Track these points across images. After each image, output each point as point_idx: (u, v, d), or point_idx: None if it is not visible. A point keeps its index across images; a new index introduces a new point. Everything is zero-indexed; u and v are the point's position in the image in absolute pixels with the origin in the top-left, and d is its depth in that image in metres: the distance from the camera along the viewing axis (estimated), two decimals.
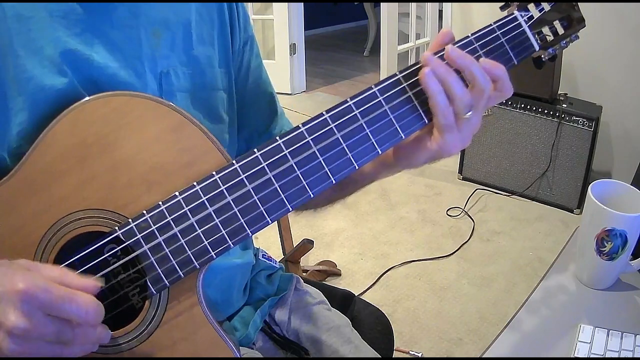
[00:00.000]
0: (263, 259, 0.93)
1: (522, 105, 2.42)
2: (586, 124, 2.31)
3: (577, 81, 2.58)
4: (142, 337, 0.57)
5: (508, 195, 2.61)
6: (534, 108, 2.40)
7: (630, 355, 0.71)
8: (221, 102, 0.73)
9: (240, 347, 0.80)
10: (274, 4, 3.65)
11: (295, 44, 3.84)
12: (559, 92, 2.42)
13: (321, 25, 6.21)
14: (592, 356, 0.71)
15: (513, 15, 0.61)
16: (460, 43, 0.60)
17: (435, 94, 0.56)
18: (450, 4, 3.07)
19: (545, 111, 2.38)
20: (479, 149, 2.65)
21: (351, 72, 4.81)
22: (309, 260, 2.14)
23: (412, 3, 3.21)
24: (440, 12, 3.29)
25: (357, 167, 0.57)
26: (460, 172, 2.76)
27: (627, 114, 2.48)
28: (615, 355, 0.71)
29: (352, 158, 0.57)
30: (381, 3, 3.13)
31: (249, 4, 3.62)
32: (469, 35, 0.60)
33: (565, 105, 2.35)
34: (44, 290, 0.45)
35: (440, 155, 0.60)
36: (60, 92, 0.57)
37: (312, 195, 0.57)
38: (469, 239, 2.31)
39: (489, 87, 0.56)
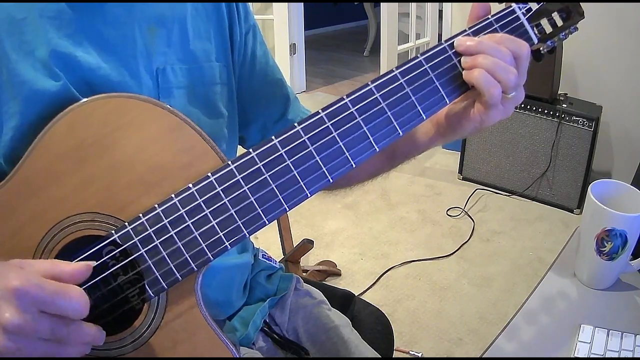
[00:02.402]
0: (263, 259, 0.93)
1: (522, 105, 2.42)
2: (586, 124, 2.30)
3: (577, 81, 2.58)
4: (141, 340, 0.57)
5: (508, 195, 2.61)
6: (534, 108, 2.40)
7: (630, 355, 0.70)
8: (220, 97, 0.73)
9: (240, 347, 0.79)
10: (274, 4, 3.65)
11: (295, 44, 3.84)
12: (559, 92, 2.42)
13: (321, 25, 6.21)
14: (592, 356, 0.71)
15: (511, 8, 0.61)
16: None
17: (480, 79, 0.57)
18: (450, 4, 3.07)
19: (545, 111, 2.38)
20: (479, 149, 2.65)
21: (351, 72, 4.81)
22: (309, 260, 2.14)
23: (412, 3, 3.21)
24: (440, 12, 3.29)
25: (354, 166, 0.57)
26: (460, 172, 2.76)
27: (627, 114, 2.48)
28: (615, 355, 0.71)
29: (348, 156, 0.57)
30: (381, 3, 3.13)
31: (249, 4, 3.62)
32: (467, 29, 0.60)
33: (565, 105, 2.35)
34: (36, 286, 0.46)
35: (484, 126, 0.63)
36: (54, 95, 0.56)
37: (309, 195, 0.56)
38: (469, 239, 2.30)
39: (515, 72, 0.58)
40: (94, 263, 0.52)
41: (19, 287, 0.45)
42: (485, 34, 0.60)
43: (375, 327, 0.98)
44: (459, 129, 0.65)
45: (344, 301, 0.99)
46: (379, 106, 0.58)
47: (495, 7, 0.63)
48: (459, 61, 0.59)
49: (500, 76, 0.57)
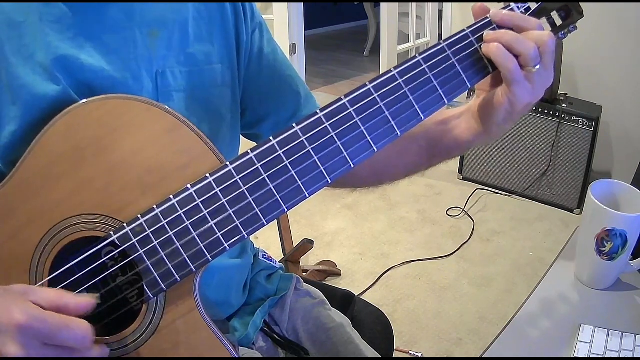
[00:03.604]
0: (263, 259, 0.93)
1: None
2: (586, 124, 2.30)
3: (577, 81, 2.58)
4: (141, 341, 0.57)
5: (508, 195, 2.61)
6: (534, 108, 2.39)
7: (630, 355, 0.70)
8: (221, 100, 0.72)
9: (240, 347, 0.79)
10: (274, 4, 3.64)
11: (295, 44, 3.83)
12: (559, 92, 2.42)
13: (321, 25, 6.21)
14: (592, 356, 0.71)
15: (510, 7, 0.61)
16: (456, 37, 0.60)
17: (496, 53, 0.58)
18: (450, 4, 3.07)
19: (545, 111, 2.38)
20: (479, 149, 2.65)
21: (351, 72, 4.81)
22: (309, 260, 2.14)
23: (412, 3, 3.21)
24: (440, 12, 3.29)
25: (352, 166, 0.57)
26: (460, 172, 2.75)
27: (627, 114, 2.48)
28: (615, 355, 0.71)
29: (347, 156, 0.57)
30: (381, 3, 3.12)
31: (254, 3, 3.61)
32: (465, 29, 0.60)
33: (565, 105, 2.35)
34: (40, 320, 0.46)
35: (515, 110, 0.61)
36: (54, 99, 0.56)
37: (307, 196, 0.56)
38: (469, 239, 2.30)
39: (549, 41, 0.58)
40: (98, 300, 0.52)
41: (22, 324, 0.45)
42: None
43: (375, 327, 0.98)
44: (494, 119, 0.64)
45: (344, 301, 0.98)
46: (377, 106, 0.57)
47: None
48: (457, 61, 0.59)
49: (518, 48, 0.57)
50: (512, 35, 0.58)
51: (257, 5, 0.77)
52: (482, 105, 0.65)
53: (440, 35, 3.44)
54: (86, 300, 0.50)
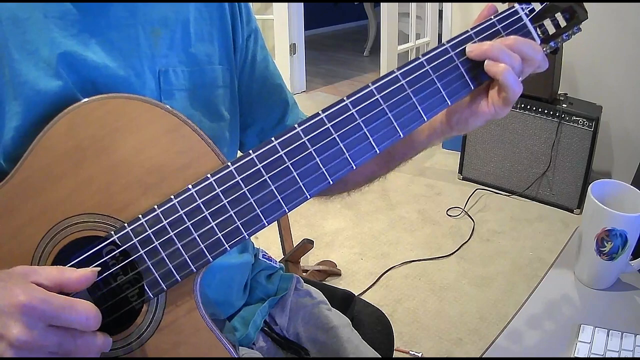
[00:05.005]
0: (263, 259, 0.93)
1: (522, 105, 2.42)
2: (586, 124, 2.30)
3: (577, 81, 2.58)
4: (141, 341, 0.57)
5: (508, 195, 2.61)
6: (534, 108, 2.40)
7: (630, 355, 0.71)
8: (222, 100, 0.72)
9: (240, 347, 0.80)
10: (274, 4, 3.65)
11: (295, 44, 3.84)
12: (559, 92, 2.42)
13: (321, 25, 6.21)
14: (592, 356, 0.71)
15: (514, 9, 0.61)
16: (460, 38, 0.60)
17: (507, 77, 0.58)
18: (450, 4, 3.07)
19: (545, 111, 2.38)
20: (479, 149, 2.65)
21: (351, 72, 4.81)
22: (309, 260, 2.14)
23: (412, 3, 3.21)
24: (440, 12, 3.29)
25: (354, 167, 0.57)
26: (460, 172, 2.76)
27: (627, 114, 2.48)
28: (615, 355, 0.71)
29: (349, 158, 0.56)
30: (381, 3, 3.13)
31: (251, 7, 3.61)
32: (469, 30, 0.60)
33: (565, 105, 2.35)
34: (43, 301, 0.46)
35: (491, 119, 0.63)
36: (56, 95, 0.56)
37: (309, 197, 0.56)
38: (469, 239, 2.30)
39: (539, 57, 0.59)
40: (98, 268, 0.52)
41: (25, 303, 0.45)
42: (488, 35, 0.60)
43: (375, 327, 0.98)
44: (466, 126, 0.64)
45: (344, 301, 0.99)
46: (380, 107, 0.57)
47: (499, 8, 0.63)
48: (461, 63, 0.59)
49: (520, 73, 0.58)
50: (517, 60, 0.58)
51: (257, 5, 0.77)
52: (455, 115, 0.65)
53: (440, 35, 3.44)
54: (85, 272, 0.50)
